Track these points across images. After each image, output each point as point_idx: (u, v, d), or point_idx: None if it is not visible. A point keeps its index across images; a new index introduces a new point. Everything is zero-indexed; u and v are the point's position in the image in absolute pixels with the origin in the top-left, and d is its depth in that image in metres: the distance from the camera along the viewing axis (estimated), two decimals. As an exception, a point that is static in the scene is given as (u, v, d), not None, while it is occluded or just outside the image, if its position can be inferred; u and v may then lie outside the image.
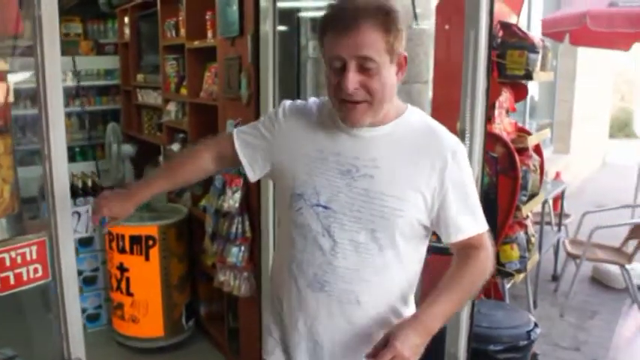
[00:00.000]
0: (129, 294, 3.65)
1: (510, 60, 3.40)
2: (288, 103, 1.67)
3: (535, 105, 7.52)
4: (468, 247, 1.54)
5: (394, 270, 1.54)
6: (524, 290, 4.19)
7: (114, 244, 3.63)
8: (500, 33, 3.43)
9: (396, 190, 1.48)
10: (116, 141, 5.28)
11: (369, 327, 1.55)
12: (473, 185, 1.56)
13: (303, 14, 3.36)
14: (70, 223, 1.71)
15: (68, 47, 5.18)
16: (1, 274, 1.53)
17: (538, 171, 3.76)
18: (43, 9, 1.54)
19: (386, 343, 1.36)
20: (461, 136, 2.28)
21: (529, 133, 3.86)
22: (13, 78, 1.74)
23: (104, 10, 5.37)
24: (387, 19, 1.38)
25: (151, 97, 4.76)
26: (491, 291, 3.46)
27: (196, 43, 3.68)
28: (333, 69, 1.43)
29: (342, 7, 1.41)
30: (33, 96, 1.66)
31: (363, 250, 1.51)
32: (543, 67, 3.68)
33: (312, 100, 1.66)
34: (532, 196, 3.69)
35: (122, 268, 3.62)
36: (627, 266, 4.35)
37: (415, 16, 3.36)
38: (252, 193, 3.00)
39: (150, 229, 3.57)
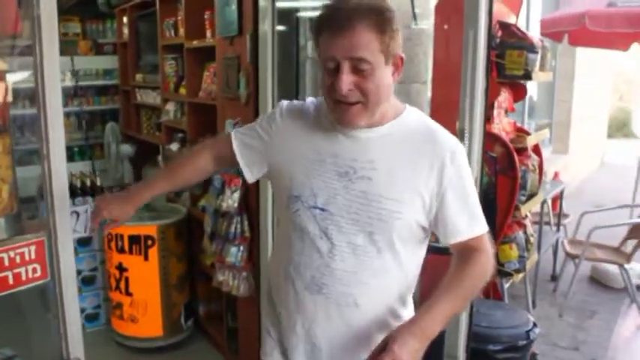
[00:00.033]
0: (128, 294, 3.65)
1: (509, 60, 3.40)
2: (285, 103, 1.66)
3: (534, 105, 7.53)
4: (468, 249, 1.52)
5: (392, 272, 1.53)
6: (523, 290, 4.19)
7: (113, 244, 3.62)
8: (499, 33, 3.43)
9: (394, 192, 1.46)
10: (115, 141, 5.28)
11: (368, 329, 1.54)
12: (472, 186, 1.54)
13: (302, 14, 3.36)
14: (68, 222, 1.70)
15: (67, 47, 5.17)
16: (0, 273, 1.53)
17: (537, 171, 3.76)
18: (41, 8, 1.53)
19: (384, 347, 1.34)
20: (460, 135, 2.28)
21: (528, 133, 3.87)
22: (12, 77, 1.74)
23: (103, 9, 5.37)
24: (381, 20, 1.36)
25: (150, 97, 4.76)
26: (490, 291, 3.46)
27: (195, 43, 3.68)
28: (327, 70, 1.42)
29: (336, 7, 1.40)
30: (31, 95, 1.65)
31: (361, 253, 1.50)
32: (542, 67, 3.68)
33: (310, 100, 1.65)
34: (531, 196, 3.69)
35: (121, 268, 3.62)
36: (626, 266, 4.36)
37: (414, 16, 3.36)
38: (251, 193, 3.00)
39: (149, 228, 3.57)
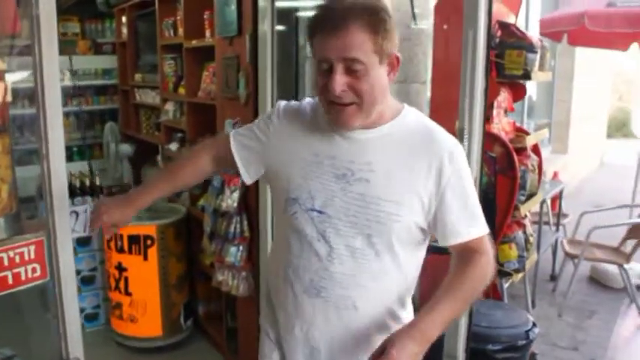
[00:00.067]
0: (127, 293, 3.65)
1: (509, 60, 3.40)
2: (282, 104, 1.65)
3: (533, 105, 7.53)
4: (468, 250, 1.50)
5: (392, 275, 1.52)
6: (523, 290, 4.20)
7: (112, 244, 3.62)
8: (499, 33, 3.43)
9: (393, 194, 1.45)
10: (114, 140, 5.28)
11: (367, 330, 1.53)
12: (472, 187, 1.52)
13: (301, 14, 3.36)
14: (68, 222, 1.70)
15: (66, 47, 5.17)
16: (0, 273, 1.53)
17: (536, 171, 3.77)
18: (40, 8, 1.53)
19: (382, 351, 1.33)
20: (459, 135, 2.28)
21: (527, 133, 3.87)
22: (11, 77, 1.74)
23: (102, 9, 5.36)
24: (374, 20, 1.35)
25: (149, 97, 4.76)
26: (490, 290, 3.46)
27: (194, 43, 3.67)
28: (321, 71, 1.41)
29: (329, 8, 1.39)
30: (31, 95, 1.65)
31: (359, 256, 1.48)
32: (541, 67, 3.68)
33: (307, 100, 1.63)
34: (530, 196, 3.69)
35: (120, 268, 3.62)
36: (625, 266, 4.36)
37: (413, 16, 3.37)
38: (250, 193, 3.00)
39: (148, 228, 3.57)
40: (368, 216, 1.45)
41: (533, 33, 4.76)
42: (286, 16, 3.21)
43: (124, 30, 5.17)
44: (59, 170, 1.63)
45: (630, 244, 4.42)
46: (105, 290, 3.97)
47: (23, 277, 1.58)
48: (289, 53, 3.28)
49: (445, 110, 2.91)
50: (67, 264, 1.67)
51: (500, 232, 3.41)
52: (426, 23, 3.42)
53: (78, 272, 3.84)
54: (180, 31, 3.90)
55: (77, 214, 2.49)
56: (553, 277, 5.04)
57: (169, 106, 4.23)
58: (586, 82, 8.57)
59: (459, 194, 1.47)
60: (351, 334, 1.54)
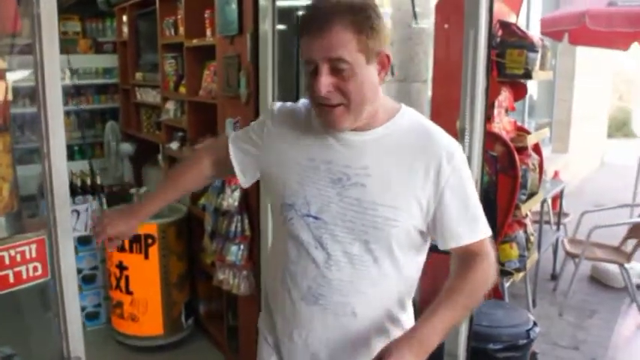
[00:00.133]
0: (128, 292, 3.65)
1: (510, 59, 3.40)
2: (277, 106, 1.63)
3: (534, 104, 7.53)
4: (469, 254, 1.46)
5: (391, 280, 1.49)
6: (524, 289, 4.20)
7: (113, 243, 3.62)
8: (500, 32, 3.43)
9: (390, 198, 1.41)
10: (115, 139, 5.28)
11: (366, 335, 1.51)
12: (472, 189, 1.48)
13: (302, 13, 3.36)
14: (69, 221, 1.70)
15: (67, 46, 5.17)
16: (1, 272, 1.53)
17: (537, 170, 3.77)
18: (41, 7, 1.53)
19: None
20: (460, 135, 2.28)
21: (528, 133, 3.87)
22: (11, 76, 1.74)
23: (102, 8, 5.36)
24: (359, 19, 1.31)
25: (150, 96, 4.76)
26: (491, 290, 3.45)
27: (195, 42, 3.67)
28: (308, 72, 1.38)
29: (314, 8, 1.37)
30: (31, 94, 1.65)
31: (357, 262, 1.45)
32: (542, 67, 3.68)
33: (302, 101, 1.59)
34: (531, 195, 3.69)
35: (121, 267, 3.62)
36: (626, 265, 4.36)
37: (414, 15, 3.36)
38: (251, 192, 3.00)
39: (149, 227, 3.57)
40: (364, 221, 1.42)
41: (534, 32, 4.77)
42: (287, 15, 3.20)
43: (125, 29, 5.17)
44: (60, 169, 1.63)
45: (631, 244, 4.42)
46: (106, 289, 3.98)
47: (24, 276, 1.58)
48: (290, 52, 3.27)
49: (446, 109, 2.91)
50: (68, 263, 1.67)
51: (501, 232, 3.41)
52: (427, 22, 3.42)
53: (79, 271, 3.85)
54: (181, 30, 3.90)
55: (78, 212, 2.49)
56: (554, 277, 5.03)
57: (170, 105, 4.23)
58: (587, 81, 8.57)
59: (458, 196, 1.43)
60: (350, 340, 1.51)
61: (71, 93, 4.97)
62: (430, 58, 3.47)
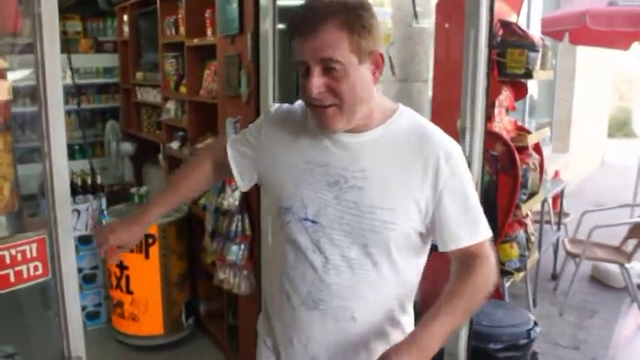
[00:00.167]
0: (129, 292, 3.65)
1: (510, 59, 3.39)
2: (274, 108, 1.62)
3: (534, 104, 7.52)
4: (469, 256, 1.44)
5: (391, 283, 1.47)
6: (524, 289, 4.20)
7: (113, 242, 3.62)
8: (501, 32, 3.43)
9: (387, 201, 1.39)
10: (115, 139, 5.29)
11: (366, 337, 1.49)
12: (471, 190, 1.45)
13: (293, 13, 3.35)
14: (70, 220, 1.70)
15: (67, 45, 5.17)
16: (1, 271, 1.53)
17: (538, 170, 3.76)
18: (42, 6, 1.53)
19: None
20: (461, 134, 2.28)
21: (529, 132, 3.86)
22: (12, 75, 1.74)
23: (103, 8, 5.37)
24: (350, 18, 1.30)
25: (151, 95, 4.76)
26: (491, 290, 3.46)
27: (196, 41, 3.67)
28: (301, 74, 1.37)
29: (305, 9, 1.36)
30: (32, 94, 1.65)
31: (356, 266, 1.43)
32: (543, 66, 3.67)
33: (299, 102, 1.57)
34: (532, 195, 3.69)
35: (122, 266, 3.62)
36: (626, 265, 4.36)
37: (415, 15, 3.36)
38: (252, 192, 2.98)
39: (150, 227, 3.56)
40: (362, 225, 1.40)
41: (535, 32, 4.77)
42: (288, 14, 3.21)
43: (126, 28, 5.17)
44: (61, 168, 1.63)
45: (631, 244, 4.41)
46: (106, 288, 3.98)
47: (25, 275, 1.58)
48: (291, 52, 3.27)
49: (447, 109, 2.91)
50: (69, 262, 1.67)
51: (502, 231, 3.41)
52: (428, 22, 3.42)
53: (79, 270, 3.85)
54: (182, 29, 3.90)
55: (79, 212, 2.49)
56: (554, 277, 5.03)
57: (170, 105, 4.23)
58: (587, 81, 8.57)
59: (457, 197, 1.41)
60: (350, 343, 1.49)
61: (72, 92, 4.97)
62: (431, 57, 3.48)
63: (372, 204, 1.39)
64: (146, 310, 3.66)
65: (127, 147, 5.16)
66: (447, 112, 2.88)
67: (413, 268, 1.51)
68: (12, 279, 1.55)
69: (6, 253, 1.54)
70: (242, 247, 3.09)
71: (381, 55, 1.38)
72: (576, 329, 4.15)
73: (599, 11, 5.09)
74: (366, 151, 1.42)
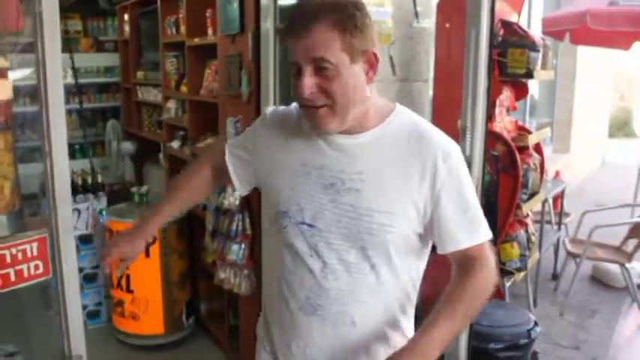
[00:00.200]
0: (129, 291, 3.65)
1: (511, 58, 3.40)
2: (269, 111, 1.60)
3: (535, 104, 7.52)
4: (468, 259, 1.41)
5: (390, 287, 1.44)
6: (525, 289, 4.20)
7: (114, 242, 3.62)
8: (501, 31, 3.43)
9: (385, 204, 1.37)
10: (116, 138, 5.29)
11: (367, 341, 1.46)
12: (470, 190, 1.43)
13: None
14: (70, 219, 1.70)
15: (69, 44, 5.17)
16: (2, 270, 1.53)
17: (538, 169, 3.77)
18: (43, 5, 1.53)
19: None
20: (462, 134, 2.28)
21: (529, 132, 3.87)
22: (13, 75, 1.74)
23: (104, 7, 5.37)
24: (341, 18, 1.28)
25: (151, 95, 4.76)
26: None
27: (196, 41, 3.67)
28: (293, 74, 1.35)
29: (297, 9, 1.34)
30: (32, 93, 1.65)
31: (354, 270, 1.41)
32: (544, 66, 3.68)
33: (294, 104, 1.54)
34: (532, 195, 3.70)
35: (122, 266, 3.62)
36: (627, 265, 4.36)
37: (416, 15, 3.36)
38: (252, 191, 2.99)
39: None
40: (359, 228, 1.38)
41: (536, 32, 4.76)
42: (288, 13, 3.21)
43: (127, 28, 5.17)
44: (62, 168, 1.63)
45: (632, 244, 4.42)
46: (107, 288, 3.98)
47: (26, 274, 1.58)
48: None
49: (447, 109, 2.91)
50: (70, 261, 1.67)
51: (503, 231, 3.41)
52: (428, 22, 3.42)
53: (80, 270, 3.85)
54: (183, 28, 3.90)
55: (79, 211, 2.49)
56: (555, 276, 5.03)
57: (171, 104, 4.23)
58: (588, 81, 8.57)
59: (455, 198, 1.39)
60: (350, 348, 1.47)
61: (73, 92, 4.97)
62: (431, 57, 3.47)
63: (370, 207, 1.37)
64: (146, 310, 3.66)
65: (128, 146, 5.16)
66: (447, 112, 2.88)
67: (413, 270, 1.49)
68: (13, 278, 1.55)
69: (7, 252, 1.54)
70: (243, 246, 3.09)
71: (375, 55, 1.36)
72: (577, 329, 4.15)
73: (600, 11, 5.09)
74: (363, 153, 1.40)
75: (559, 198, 5.23)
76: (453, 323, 1.36)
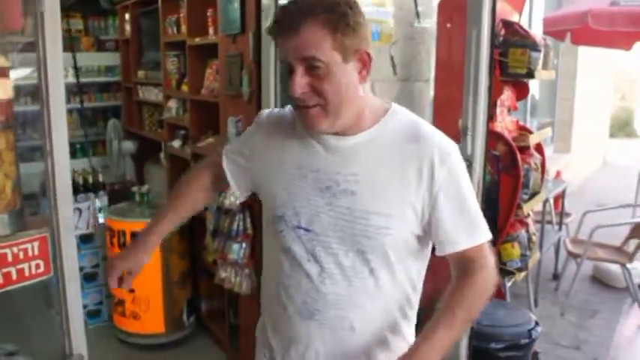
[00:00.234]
0: (130, 290, 3.64)
1: (512, 58, 3.39)
2: (265, 113, 1.58)
3: (536, 104, 7.53)
4: (466, 261, 1.40)
5: (390, 291, 1.42)
6: (525, 289, 4.20)
7: (115, 240, 3.63)
8: (503, 31, 3.42)
9: (381, 206, 1.35)
10: (117, 137, 5.28)
11: (367, 346, 1.45)
12: (469, 192, 1.41)
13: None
14: (71, 219, 1.70)
15: (71, 43, 5.18)
16: (4, 269, 1.54)
17: (539, 169, 3.76)
18: (45, 5, 1.53)
19: None
20: (463, 134, 2.28)
21: (530, 132, 3.87)
22: (14, 74, 1.74)
23: (105, 6, 5.37)
24: (332, 17, 1.25)
25: (152, 94, 4.76)
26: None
27: (197, 40, 3.67)
28: (286, 75, 1.33)
29: (287, 8, 1.32)
30: (33, 92, 1.65)
31: (352, 274, 1.39)
32: (545, 66, 3.67)
33: (289, 107, 1.52)
34: (533, 195, 3.69)
35: (123, 265, 3.62)
36: (628, 265, 4.36)
37: (417, 14, 3.36)
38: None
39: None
40: (355, 231, 1.36)
41: (537, 32, 4.76)
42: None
43: (127, 27, 5.17)
44: (63, 167, 1.63)
45: (633, 244, 4.42)
46: (107, 287, 3.96)
47: (27, 273, 1.58)
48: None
49: (448, 109, 2.91)
50: (71, 260, 1.68)
51: (503, 231, 3.41)
52: (430, 22, 3.42)
53: (80, 269, 3.82)
54: (184, 28, 3.90)
55: (80, 210, 2.49)
56: (556, 276, 5.03)
57: (172, 104, 4.23)
58: (589, 81, 8.57)
59: (454, 199, 1.37)
60: (349, 353, 1.45)
61: (73, 91, 4.97)
62: (432, 57, 3.47)
63: (366, 209, 1.35)
64: (147, 309, 3.66)
65: (129, 145, 5.15)
66: (448, 112, 2.88)
67: (413, 272, 1.47)
68: (14, 277, 1.56)
69: (8, 251, 1.54)
70: (243, 245, 3.09)
71: (368, 54, 1.33)
72: (577, 329, 4.15)
73: (601, 11, 5.09)
74: (358, 154, 1.38)
75: (560, 198, 5.23)
76: (452, 330, 1.36)
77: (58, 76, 1.60)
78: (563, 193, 5.19)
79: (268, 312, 1.59)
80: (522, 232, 3.54)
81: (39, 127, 1.63)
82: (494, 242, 3.20)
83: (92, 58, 5.49)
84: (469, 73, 2.25)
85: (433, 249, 1.48)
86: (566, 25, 5.56)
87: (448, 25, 3.24)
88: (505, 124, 3.58)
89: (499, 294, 3.47)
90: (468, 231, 1.39)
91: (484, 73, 2.24)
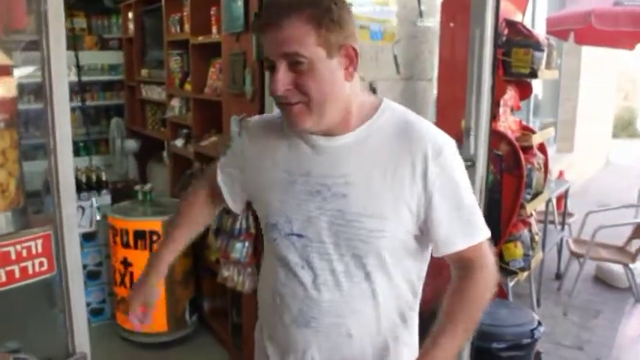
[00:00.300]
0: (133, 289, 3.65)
1: (515, 58, 3.39)
2: (252, 121, 1.55)
3: (539, 103, 7.52)
4: (465, 261, 1.36)
5: (387, 294, 1.39)
6: (528, 288, 4.20)
7: (118, 239, 3.63)
8: (506, 31, 3.42)
9: (374, 208, 1.30)
10: (120, 136, 5.30)
11: (365, 353, 1.43)
12: (466, 188, 1.36)
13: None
14: (75, 217, 1.70)
15: (74, 42, 5.19)
16: (7, 267, 1.54)
17: (542, 169, 3.76)
18: (48, 3, 1.53)
19: None
20: (466, 133, 2.28)
21: (533, 132, 3.87)
22: (17, 72, 1.74)
23: (108, 5, 5.39)
24: (316, 12, 1.22)
25: (155, 93, 4.77)
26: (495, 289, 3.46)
27: (201, 39, 3.68)
28: (270, 71, 1.29)
29: (269, 4, 1.30)
30: (36, 91, 1.65)
31: (347, 280, 1.35)
32: (548, 66, 3.67)
33: (277, 110, 1.44)
34: (536, 195, 3.69)
35: (126, 263, 3.63)
36: (631, 265, 4.36)
37: (420, 13, 3.36)
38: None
39: (154, 224, 3.57)
40: (348, 235, 1.32)
41: (540, 31, 4.76)
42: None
43: (131, 26, 5.18)
44: (66, 165, 1.63)
45: (636, 244, 4.41)
46: (110, 285, 3.98)
47: (30, 271, 1.58)
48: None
49: (452, 108, 2.91)
50: (74, 258, 1.68)
51: (506, 231, 3.41)
52: (433, 21, 3.41)
53: (84, 267, 3.83)
54: (187, 27, 3.90)
55: (83, 209, 2.49)
56: (558, 276, 5.03)
57: (175, 102, 4.24)
58: (592, 80, 8.55)
59: (449, 197, 1.32)
60: (347, 358, 1.42)
61: (76, 90, 4.98)
62: (436, 56, 3.47)
63: (358, 212, 1.31)
64: (150, 308, 3.66)
65: (132, 144, 5.16)
66: (451, 111, 2.88)
67: (412, 274, 1.43)
68: (17, 275, 1.56)
69: (11, 249, 1.54)
70: (246, 244, 3.09)
71: (355, 49, 1.28)
72: (580, 329, 4.15)
73: (605, 11, 5.08)
74: (347, 155, 1.33)
75: (563, 198, 5.22)
76: (454, 342, 1.33)
77: (62, 74, 1.60)
78: (566, 193, 5.19)
79: (265, 319, 1.57)
80: (525, 232, 3.54)
81: (42, 126, 1.63)
82: (497, 242, 3.20)
83: (95, 56, 5.51)
84: (472, 73, 2.26)
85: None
86: (569, 25, 5.55)
87: (451, 25, 3.24)
88: (508, 123, 3.57)
89: (501, 293, 3.46)
90: (465, 231, 1.34)
91: (487, 72, 2.24)
